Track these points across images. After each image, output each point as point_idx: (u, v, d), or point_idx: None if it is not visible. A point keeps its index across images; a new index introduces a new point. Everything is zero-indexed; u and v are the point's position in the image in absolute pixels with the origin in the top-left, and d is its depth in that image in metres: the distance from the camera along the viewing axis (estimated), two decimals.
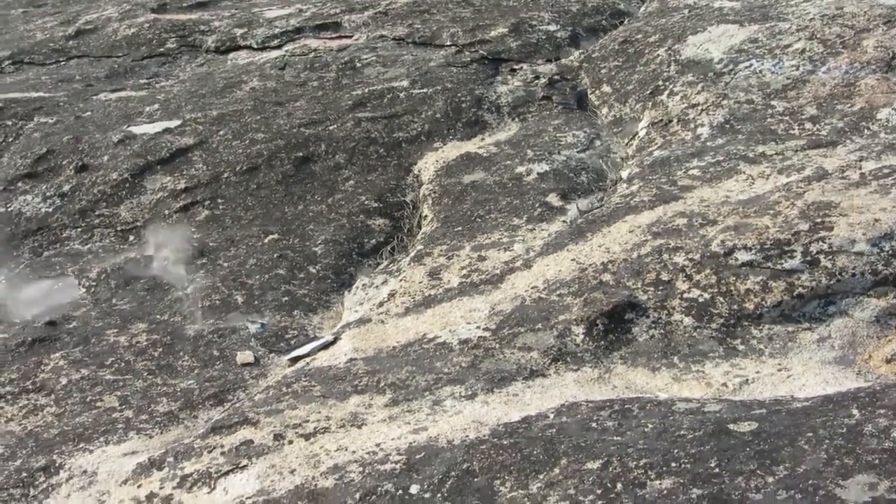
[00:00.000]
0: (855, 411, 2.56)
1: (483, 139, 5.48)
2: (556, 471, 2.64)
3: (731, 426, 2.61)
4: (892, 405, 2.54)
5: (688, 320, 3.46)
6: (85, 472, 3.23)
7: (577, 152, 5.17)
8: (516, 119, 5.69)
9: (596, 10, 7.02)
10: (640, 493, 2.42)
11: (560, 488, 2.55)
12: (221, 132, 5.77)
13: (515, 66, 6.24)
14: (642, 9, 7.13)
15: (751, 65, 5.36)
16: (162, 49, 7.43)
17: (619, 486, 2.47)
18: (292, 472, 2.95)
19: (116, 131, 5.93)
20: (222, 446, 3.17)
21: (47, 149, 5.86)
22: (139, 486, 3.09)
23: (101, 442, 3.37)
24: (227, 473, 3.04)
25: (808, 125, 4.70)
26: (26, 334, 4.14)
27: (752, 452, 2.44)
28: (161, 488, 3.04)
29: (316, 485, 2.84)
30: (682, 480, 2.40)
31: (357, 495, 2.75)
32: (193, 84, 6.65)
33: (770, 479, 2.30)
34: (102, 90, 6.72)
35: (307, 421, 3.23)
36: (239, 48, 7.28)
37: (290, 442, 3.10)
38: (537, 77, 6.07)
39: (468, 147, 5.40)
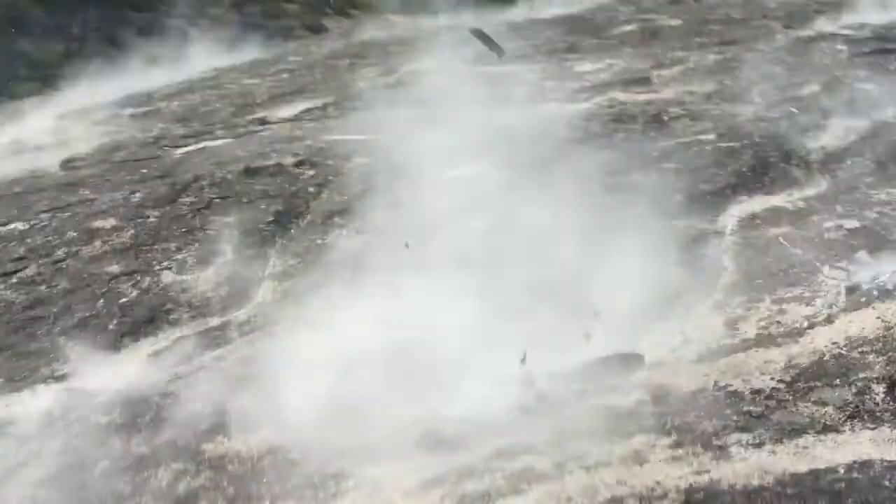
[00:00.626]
0: None
1: (791, 194, 5.45)
2: None
3: None
4: None
5: None
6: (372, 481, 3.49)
7: (891, 210, 5.07)
8: (826, 174, 5.64)
9: None
10: None
11: None
12: (528, 177, 5.94)
13: (825, 123, 6.18)
14: None
15: None
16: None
17: None
18: (569, 500, 3.06)
19: (438, 174, 6.22)
20: (503, 470, 3.31)
21: (362, 189, 6.29)
22: (419, 501, 3.31)
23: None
24: (505, 496, 3.18)
25: None
26: None
27: None
28: None
29: None
30: None
31: None
32: (506, 131, 6.86)
33: None
34: (416, 132, 6.99)
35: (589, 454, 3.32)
36: (549, 101, 7.49)
37: (571, 472, 3.22)
38: (849, 134, 6.00)
39: (775, 201, 5.39)
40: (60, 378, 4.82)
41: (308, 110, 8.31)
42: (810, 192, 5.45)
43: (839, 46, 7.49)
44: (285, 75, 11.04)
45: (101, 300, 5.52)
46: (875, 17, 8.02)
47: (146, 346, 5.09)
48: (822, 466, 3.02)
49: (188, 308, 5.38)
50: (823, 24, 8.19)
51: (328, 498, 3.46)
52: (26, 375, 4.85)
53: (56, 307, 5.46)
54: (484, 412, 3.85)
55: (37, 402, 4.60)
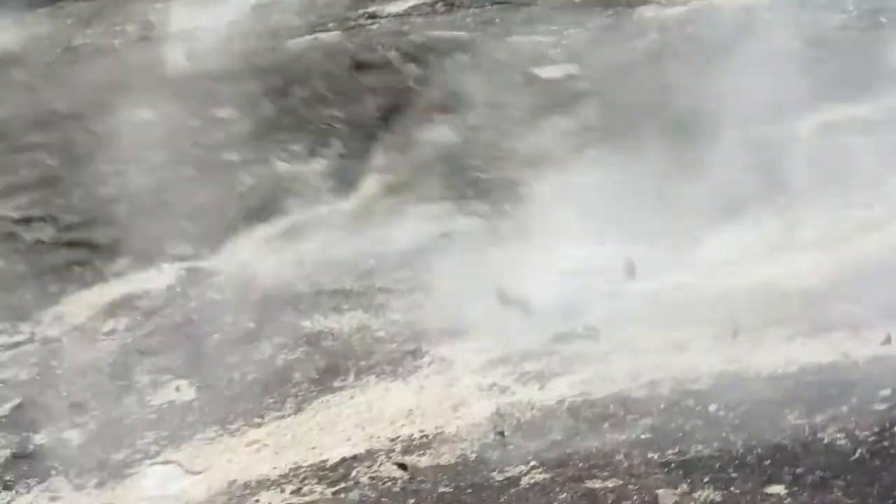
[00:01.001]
0: None
1: (873, 104, 5.62)
2: (845, 409, 3.04)
3: None
4: None
5: None
6: (444, 360, 4.00)
7: None
8: None
9: None
10: None
11: (841, 423, 2.97)
12: (616, 80, 6.20)
13: None
14: None
15: None
16: None
17: None
18: (613, 381, 3.53)
19: (521, 72, 6.52)
20: (560, 353, 3.79)
21: (461, 88, 6.49)
22: (484, 377, 3.79)
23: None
24: (558, 375, 3.66)
25: None
26: None
27: None
28: (502, 380, 3.74)
29: (630, 394, 3.41)
30: None
31: (662, 405, 3.29)
32: (597, 34, 7.00)
33: None
34: (516, 33, 7.23)
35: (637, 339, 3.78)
36: (649, 2, 7.49)
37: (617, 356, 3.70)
38: None
39: (855, 111, 5.61)
40: (183, 258, 5.38)
41: (416, 6, 8.52)
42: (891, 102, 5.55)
43: None
44: None
45: (220, 186, 5.98)
46: None
47: (260, 230, 5.62)
48: (851, 358, 3.40)
49: (297, 196, 5.85)
50: None
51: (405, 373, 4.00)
52: (154, 255, 5.40)
53: (180, 192, 5.94)
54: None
55: (161, 278, 5.18)
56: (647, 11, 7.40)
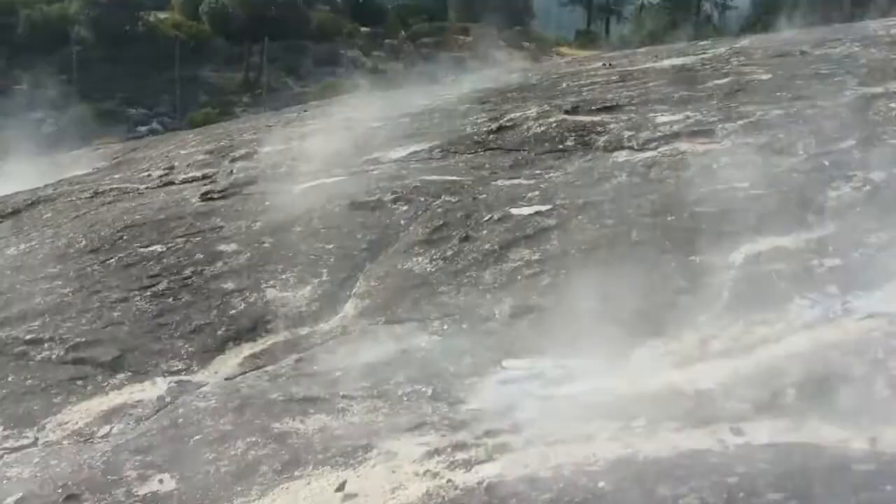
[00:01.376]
0: None
1: (799, 236, 5.98)
2: (706, 483, 3.53)
3: None
4: None
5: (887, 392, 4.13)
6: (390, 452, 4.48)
7: (871, 250, 5.61)
8: (836, 220, 6.10)
9: None
10: None
11: (699, 494, 3.45)
12: (579, 216, 6.77)
13: (850, 172, 6.59)
14: None
15: None
16: (561, 146, 8.55)
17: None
18: (526, 465, 4.01)
19: (499, 211, 7.11)
20: (487, 444, 4.23)
21: (443, 222, 7.16)
22: (422, 465, 4.22)
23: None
24: (482, 462, 4.12)
25: None
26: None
27: None
28: (435, 467, 4.16)
29: (538, 475, 3.89)
30: None
31: (561, 484, 3.78)
32: (574, 176, 7.66)
33: None
34: (500, 178, 7.87)
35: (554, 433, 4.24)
36: (623, 148, 8.21)
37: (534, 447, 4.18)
38: (864, 185, 6.40)
39: (782, 242, 5.95)
40: (175, 372, 5.81)
41: (415, 153, 9.06)
42: (815, 234, 5.93)
43: (892, 104, 7.65)
44: (407, 111, 11.82)
45: (215, 311, 6.50)
46: None
47: (246, 348, 6.07)
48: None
49: (284, 319, 6.33)
50: (893, 84, 8.42)
51: None
52: (149, 370, 5.84)
53: (178, 316, 6.46)
54: None
55: (154, 390, 5.60)
56: (620, 157, 8.05)
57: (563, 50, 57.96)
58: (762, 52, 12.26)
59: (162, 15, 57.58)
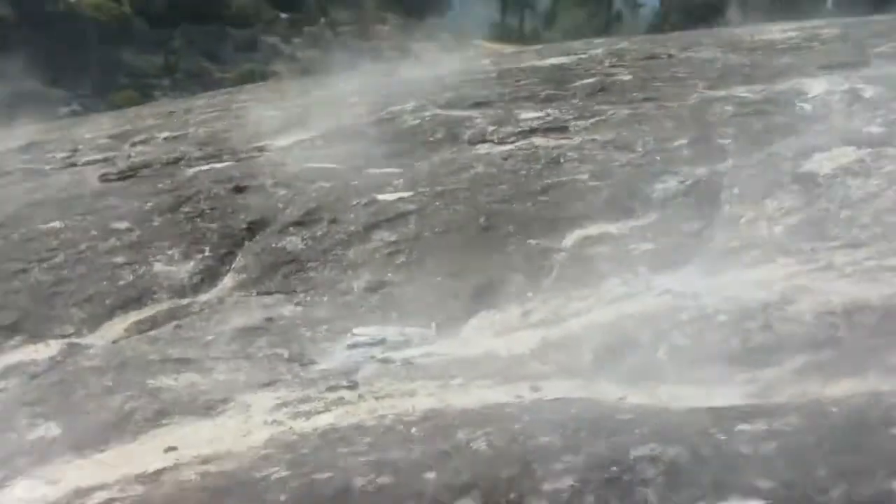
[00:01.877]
0: None
1: (625, 223, 6.38)
2: (490, 428, 3.97)
3: None
4: None
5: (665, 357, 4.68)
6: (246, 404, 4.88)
7: (686, 237, 6.03)
8: (658, 210, 6.50)
9: (763, 132, 7.67)
10: None
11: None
12: (436, 202, 7.14)
13: (677, 169, 7.00)
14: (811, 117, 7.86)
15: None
16: (431, 138, 8.86)
17: None
18: (356, 415, 4.43)
19: (367, 197, 7.47)
20: (326, 398, 4.56)
21: (317, 205, 7.51)
22: (270, 415, 4.57)
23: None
24: (319, 413, 4.46)
25: None
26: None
27: None
28: (281, 417, 4.52)
29: (364, 424, 4.31)
30: None
31: (381, 430, 4.11)
32: (438, 167, 7.99)
33: None
34: (373, 167, 8.19)
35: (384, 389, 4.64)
36: (485, 141, 8.55)
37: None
38: (688, 179, 6.81)
39: (609, 226, 6.35)
40: (67, 336, 6.06)
41: (300, 142, 9.27)
42: (640, 223, 6.30)
43: (727, 107, 8.07)
44: (305, 101, 12.05)
45: (105, 282, 6.75)
46: (782, 86, 8.60)
47: (132, 316, 6.34)
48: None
49: (168, 290, 6.63)
50: (737, 89, 8.66)
51: None
52: (44, 333, 6.08)
53: (73, 286, 6.71)
54: None
55: (47, 351, 5.84)
56: (482, 149, 8.44)
57: (484, 44, 57.92)
58: (634, 53, 12.46)
59: None
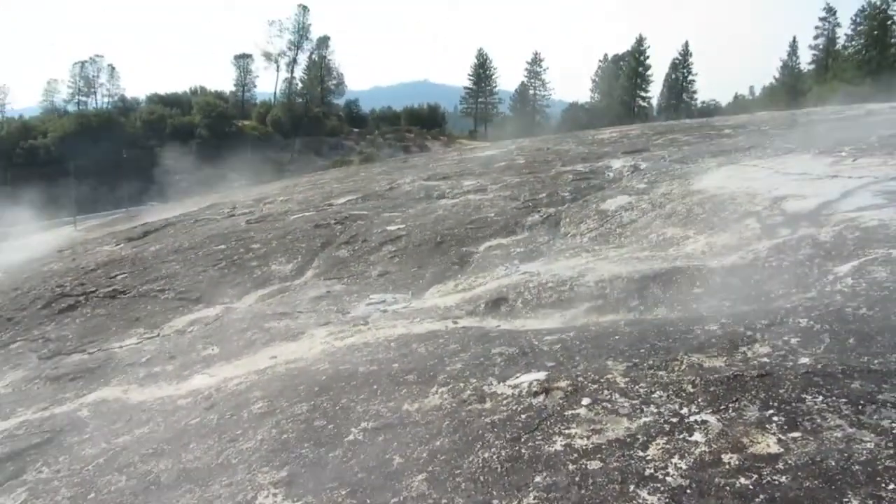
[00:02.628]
0: None
1: (511, 238, 6.55)
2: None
3: None
4: None
5: (521, 304, 5.00)
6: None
7: (539, 245, 6.21)
8: (528, 231, 6.70)
9: (585, 189, 7.92)
10: None
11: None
12: (416, 230, 7.26)
13: (539, 210, 7.21)
14: (610, 179, 8.00)
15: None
16: (416, 197, 9.00)
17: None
18: (366, 342, 4.79)
19: (381, 228, 7.59)
20: (348, 329, 4.88)
21: (356, 233, 7.65)
22: (324, 339, 5.02)
23: None
24: (348, 337, 4.85)
25: None
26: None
27: None
28: (328, 338, 4.95)
29: (370, 341, 4.67)
30: None
31: (380, 343, 4.48)
32: (418, 211, 8.12)
33: None
34: (385, 213, 8.29)
35: (382, 328, 5.01)
36: (444, 197, 8.77)
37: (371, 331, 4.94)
38: (545, 214, 7.03)
39: (503, 240, 6.53)
40: (224, 303, 6.13)
41: (350, 200, 9.46)
42: (518, 237, 6.42)
43: (569, 176, 8.11)
44: (355, 179, 12.16)
45: (246, 275, 6.86)
46: (599, 164, 8.95)
47: (260, 292, 6.40)
48: None
49: (279, 278, 6.71)
50: (577, 165, 8.72)
51: None
52: (213, 302, 6.19)
53: (229, 277, 6.83)
54: None
55: (214, 311, 5.92)
56: (442, 201, 8.53)
57: (463, 141, 58.28)
58: (529, 147, 12.71)
59: (245, 122, 57.24)
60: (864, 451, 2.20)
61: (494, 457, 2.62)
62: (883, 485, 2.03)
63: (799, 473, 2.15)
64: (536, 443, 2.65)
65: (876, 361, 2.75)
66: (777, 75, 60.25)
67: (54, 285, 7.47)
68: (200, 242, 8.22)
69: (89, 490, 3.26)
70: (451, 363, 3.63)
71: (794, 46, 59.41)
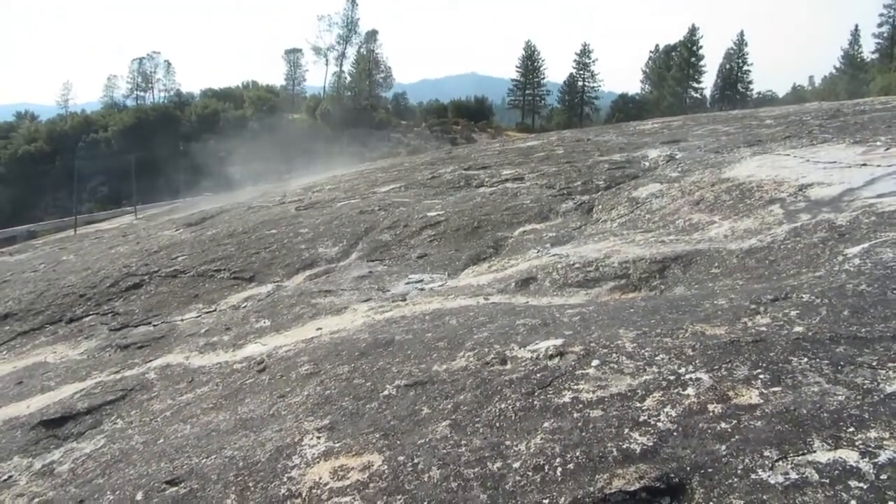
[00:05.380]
0: None
1: (545, 224, 6.78)
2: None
3: None
4: None
5: (549, 285, 5.29)
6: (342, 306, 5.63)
7: (571, 230, 6.42)
8: (562, 217, 6.91)
9: (619, 177, 8.09)
10: None
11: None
12: (454, 216, 7.54)
13: (574, 197, 7.42)
14: (645, 169, 8.12)
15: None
16: (456, 185, 9.30)
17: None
18: (403, 314, 5.17)
19: (421, 214, 7.92)
20: (389, 305, 5.31)
21: (397, 219, 7.98)
22: (366, 312, 5.42)
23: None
24: (386, 311, 5.23)
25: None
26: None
27: None
28: (369, 312, 5.34)
29: (407, 314, 5.05)
30: None
31: (416, 315, 4.85)
32: (458, 199, 8.39)
33: None
34: (426, 200, 8.59)
35: (421, 303, 5.39)
36: (483, 186, 9.08)
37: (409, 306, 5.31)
38: (578, 202, 7.22)
39: (536, 226, 6.77)
40: (275, 282, 6.49)
41: (394, 189, 9.75)
42: (551, 223, 6.67)
43: (605, 165, 8.22)
44: (399, 169, 12.47)
45: (295, 256, 7.21)
46: (636, 154, 8.93)
47: (308, 272, 6.75)
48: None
49: (325, 260, 7.06)
50: (614, 155, 8.71)
51: None
52: (265, 281, 6.54)
53: (279, 258, 7.21)
54: None
55: (266, 289, 6.27)
56: (481, 189, 8.79)
57: (510, 133, 58.40)
58: (570, 138, 12.80)
59: (295, 115, 58.38)
60: (835, 402, 2.47)
61: (510, 407, 2.89)
62: (845, 428, 2.31)
63: (773, 419, 2.44)
64: (548, 396, 2.95)
65: (863, 330, 2.99)
66: (838, 65, 58.35)
67: (121, 266, 8.02)
68: (253, 227, 8.63)
69: (158, 436, 3.68)
70: (479, 332, 3.93)
71: (855, 35, 57.44)
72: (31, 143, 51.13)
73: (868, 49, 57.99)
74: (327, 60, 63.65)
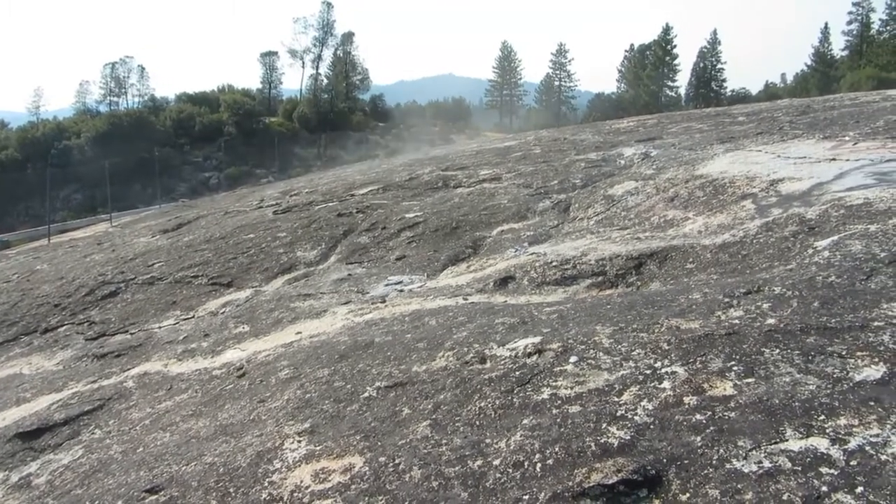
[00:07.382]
0: None
1: (522, 223, 6.79)
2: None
3: None
4: None
5: (527, 284, 5.32)
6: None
7: (548, 228, 6.43)
8: (539, 216, 6.92)
9: (595, 176, 8.14)
10: None
11: None
12: (433, 217, 7.58)
13: (550, 196, 7.44)
14: (621, 167, 8.24)
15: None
16: (435, 185, 9.31)
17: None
18: (382, 316, 5.17)
19: (399, 216, 7.92)
20: (367, 307, 5.30)
21: (376, 221, 8.00)
22: (345, 315, 5.42)
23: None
24: (365, 314, 5.24)
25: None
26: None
27: None
28: (348, 315, 5.34)
29: (385, 316, 5.04)
30: None
31: (395, 317, 4.88)
32: (436, 199, 8.45)
33: None
34: (405, 201, 8.63)
35: (399, 305, 5.40)
36: (460, 186, 9.09)
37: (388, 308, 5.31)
38: (555, 201, 7.24)
39: (514, 225, 6.77)
40: (254, 287, 6.46)
41: (371, 191, 9.75)
42: (529, 222, 6.80)
43: (581, 164, 8.26)
44: (377, 171, 12.50)
45: (273, 261, 7.20)
46: (612, 152, 9.21)
47: (286, 276, 6.72)
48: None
49: (304, 264, 7.04)
50: (590, 154, 8.79)
51: None
52: (243, 286, 6.51)
53: (257, 263, 7.18)
54: None
55: (244, 294, 6.25)
56: (458, 190, 8.85)
57: (489, 134, 58.58)
58: (547, 137, 12.86)
59: (272, 119, 58.04)
60: (806, 392, 2.53)
61: (489, 406, 2.91)
62: (816, 416, 2.36)
63: (746, 410, 2.49)
64: (527, 393, 2.96)
65: (833, 321, 3.06)
66: (809, 62, 59.29)
67: (96, 274, 7.93)
68: (230, 233, 8.60)
69: (137, 445, 3.63)
70: (458, 332, 3.93)
71: (826, 33, 58.46)
72: (2, 150, 50.27)
73: (838, 47, 59.12)
74: (304, 63, 63.38)
